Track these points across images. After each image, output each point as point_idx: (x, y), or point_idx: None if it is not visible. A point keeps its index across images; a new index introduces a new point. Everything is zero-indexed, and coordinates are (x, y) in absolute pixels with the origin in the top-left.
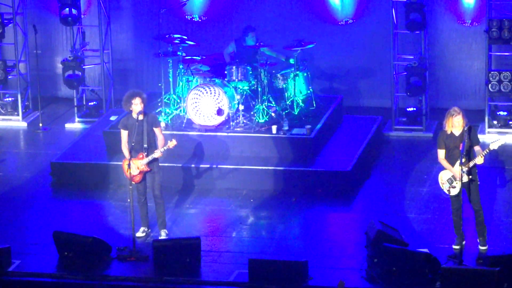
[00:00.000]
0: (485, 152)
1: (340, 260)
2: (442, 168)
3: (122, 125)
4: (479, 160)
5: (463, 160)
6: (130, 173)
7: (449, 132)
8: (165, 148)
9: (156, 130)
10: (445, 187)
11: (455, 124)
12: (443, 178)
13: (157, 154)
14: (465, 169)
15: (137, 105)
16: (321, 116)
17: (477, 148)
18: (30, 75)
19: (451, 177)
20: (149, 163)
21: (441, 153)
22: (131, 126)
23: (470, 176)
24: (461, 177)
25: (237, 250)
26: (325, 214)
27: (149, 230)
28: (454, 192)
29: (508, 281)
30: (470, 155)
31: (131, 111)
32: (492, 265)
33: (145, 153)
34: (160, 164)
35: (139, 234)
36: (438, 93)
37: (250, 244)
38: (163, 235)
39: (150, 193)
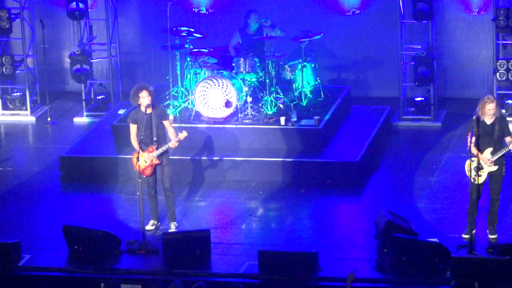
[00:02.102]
0: None
1: (349, 250)
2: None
3: (131, 119)
4: None
5: (491, 149)
6: (139, 166)
7: (481, 119)
8: (177, 139)
9: (165, 122)
10: (471, 175)
11: (487, 112)
12: (470, 165)
13: (172, 144)
14: (475, 159)
15: (144, 98)
16: (329, 107)
17: (508, 139)
18: (38, 69)
19: (478, 165)
20: (159, 156)
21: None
22: (140, 120)
23: (497, 167)
24: (470, 167)
25: (247, 242)
26: (334, 205)
27: (159, 223)
28: (479, 180)
29: None
30: (498, 145)
31: (139, 105)
32: (502, 253)
33: (155, 146)
34: (169, 157)
35: (149, 227)
36: (446, 82)
37: (260, 236)
38: (173, 228)
39: (160, 186)
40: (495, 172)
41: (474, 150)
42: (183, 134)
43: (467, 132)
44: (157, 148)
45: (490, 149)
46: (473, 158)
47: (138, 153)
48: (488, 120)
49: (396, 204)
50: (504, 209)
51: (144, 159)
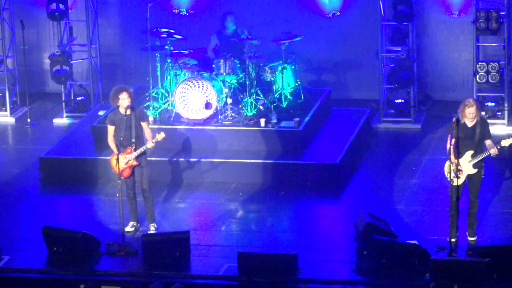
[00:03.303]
0: (497, 148)
1: (329, 252)
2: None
3: (109, 120)
4: (494, 151)
5: (471, 152)
6: (118, 168)
7: (462, 122)
8: (155, 140)
9: (144, 124)
10: (450, 176)
11: (467, 116)
12: (449, 167)
13: (149, 145)
14: (454, 161)
15: (124, 100)
16: (309, 109)
17: (488, 142)
18: (17, 70)
19: (457, 167)
20: (137, 157)
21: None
22: (118, 121)
23: (476, 170)
24: (449, 168)
25: (227, 243)
26: (314, 206)
27: (138, 225)
28: (458, 182)
29: (497, 272)
30: (478, 148)
31: (118, 106)
32: (481, 256)
33: (133, 148)
34: (148, 159)
35: (128, 228)
36: (426, 84)
37: (240, 238)
38: (152, 229)
39: (138, 187)
40: (474, 175)
41: (452, 156)
42: (160, 135)
43: (448, 133)
44: (135, 150)
45: (471, 152)
46: (452, 160)
47: (118, 155)
48: (469, 123)
49: (375, 206)
50: (484, 211)
51: (124, 160)
